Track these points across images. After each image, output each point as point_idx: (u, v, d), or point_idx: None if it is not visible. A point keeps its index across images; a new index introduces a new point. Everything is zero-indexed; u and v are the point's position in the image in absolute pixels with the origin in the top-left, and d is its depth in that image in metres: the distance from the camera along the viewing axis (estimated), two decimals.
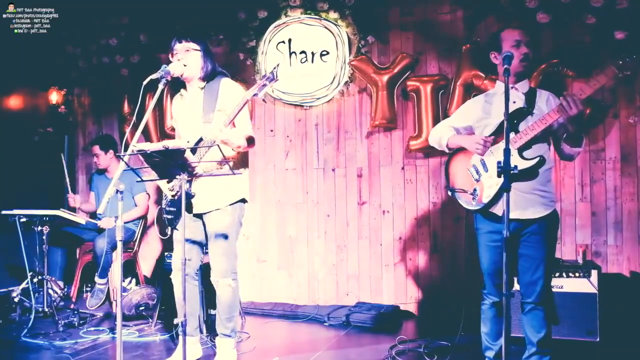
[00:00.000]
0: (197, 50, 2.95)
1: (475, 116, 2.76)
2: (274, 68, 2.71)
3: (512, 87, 2.63)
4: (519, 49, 2.57)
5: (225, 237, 3.00)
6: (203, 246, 3.14)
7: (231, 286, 3.04)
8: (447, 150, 2.86)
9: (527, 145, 2.56)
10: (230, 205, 3.01)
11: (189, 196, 2.83)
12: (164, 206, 3.04)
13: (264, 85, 2.70)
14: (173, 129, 4.87)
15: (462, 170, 2.76)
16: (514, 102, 2.61)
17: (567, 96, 2.42)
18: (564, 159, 2.71)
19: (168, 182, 2.99)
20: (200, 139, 2.88)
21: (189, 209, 2.95)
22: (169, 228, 3.10)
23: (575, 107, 2.40)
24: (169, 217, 3.01)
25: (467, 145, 2.69)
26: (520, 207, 2.57)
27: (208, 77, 2.99)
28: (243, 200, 3.09)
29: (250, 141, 2.97)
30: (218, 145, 2.59)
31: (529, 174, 2.56)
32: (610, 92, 3.87)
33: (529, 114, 2.59)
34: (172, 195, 2.96)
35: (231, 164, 2.72)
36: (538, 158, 2.53)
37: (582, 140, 2.58)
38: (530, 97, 2.63)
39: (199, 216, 3.04)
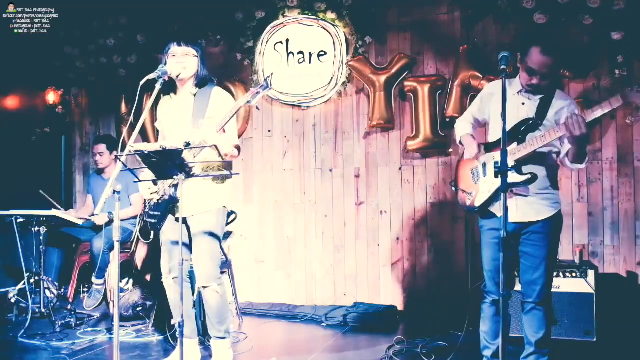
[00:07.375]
0: (195, 56, 2.97)
1: (489, 111, 2.76)
2: (268, 77, 2.74)
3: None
4: (532, 76, 2.54)
5: (212, 239, 2.99)
6: (189, 249, 3.10)
7: (218, 292, 3.01)
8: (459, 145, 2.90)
9: (526, 160, 2.54)
10: (216, 208, 3.01)
11: (175, 200, 2.84)
12: (146, 210, 3.02)
13: (257, 93, 2.72)
14: None
15: (466, 171, 2.80)
16: (523, 104, 2.61)
17: (574, 116, 2.37)
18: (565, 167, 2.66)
19: (149, 188, 2.98)
20: (188, 144, 2.87)
21: (174, 212, 2.95)
22: (152, 232, 3.08)
23: (579, 129, 2.36)
24: (152, 221, 2.99)
25: (466, 149, 2.77)
26: (522, 211, 2.58)
27: (200, 83, 3.00)
28: (225, 207, 3.10)
29: (238, 150, 3.01)
30: (215, 146, 2.59)
31: (523, 184, 2.55)
32: (607, 93, 3.88)
33: (539, 125, 2.56)
34: (157, 199, 2.96)
35: (225, 159, 2.73)
36: (529, 175, 2.52)
37: (584, 158, 2.54)
38: (544, 104, 2.59)
39: (184, 220, 2.99)
